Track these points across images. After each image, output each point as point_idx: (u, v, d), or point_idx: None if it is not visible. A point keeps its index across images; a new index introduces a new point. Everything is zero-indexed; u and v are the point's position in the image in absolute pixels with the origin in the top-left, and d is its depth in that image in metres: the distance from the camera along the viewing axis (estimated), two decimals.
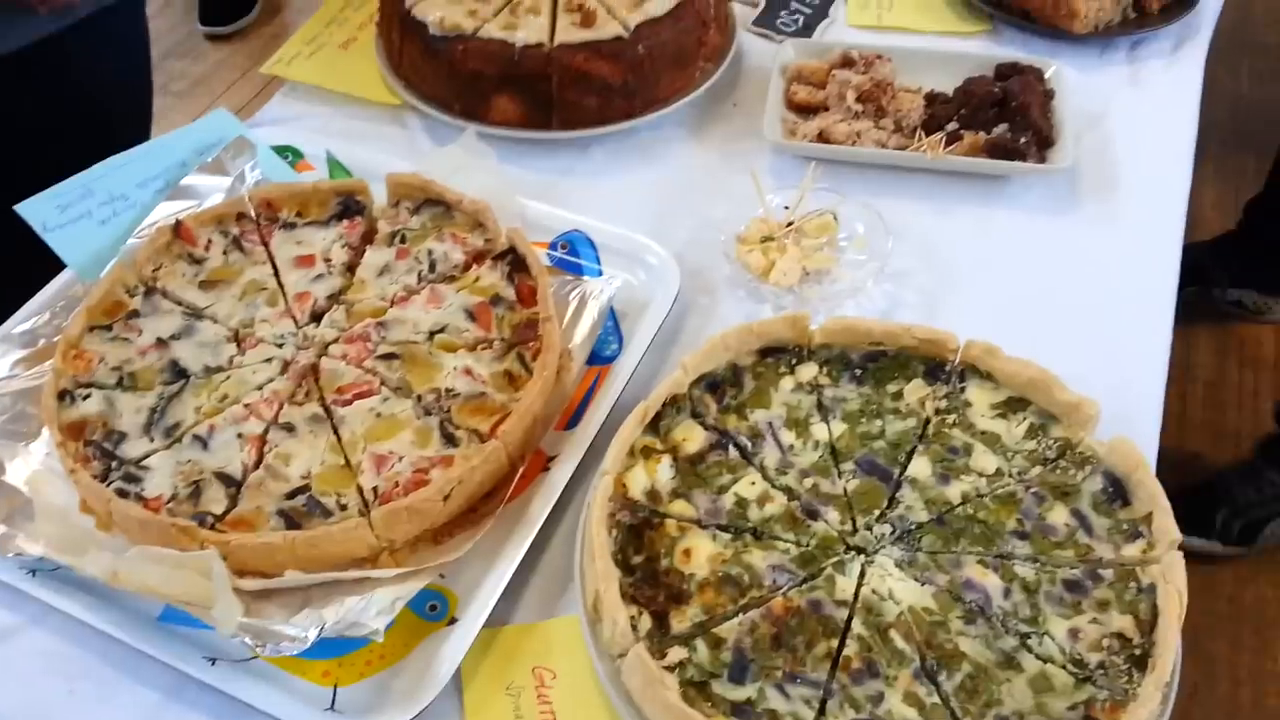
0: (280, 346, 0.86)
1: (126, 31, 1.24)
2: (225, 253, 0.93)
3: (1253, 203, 2.02)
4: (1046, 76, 1.09)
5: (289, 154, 1.06)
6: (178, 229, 0.92)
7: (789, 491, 0.76)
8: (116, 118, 1.25)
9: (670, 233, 1.01)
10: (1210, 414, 1.97)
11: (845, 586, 0.70)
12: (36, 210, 0.95)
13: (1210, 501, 1.71)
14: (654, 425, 0.79)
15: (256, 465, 0.78)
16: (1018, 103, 1.04)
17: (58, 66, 1.15)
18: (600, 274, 0.96)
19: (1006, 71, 1.10)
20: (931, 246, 1.00)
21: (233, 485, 0.76)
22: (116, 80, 1.25)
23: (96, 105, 1.21)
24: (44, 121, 1.17)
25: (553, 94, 1.06)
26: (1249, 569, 1.74)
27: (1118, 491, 0.74)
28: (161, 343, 0.85)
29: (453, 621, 0.73)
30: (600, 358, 0.90)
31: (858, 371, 0.83)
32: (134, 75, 1.30)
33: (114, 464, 0.77)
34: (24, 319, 0.90)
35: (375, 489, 0.76)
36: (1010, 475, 0.76)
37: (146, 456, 0.78)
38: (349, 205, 0.97)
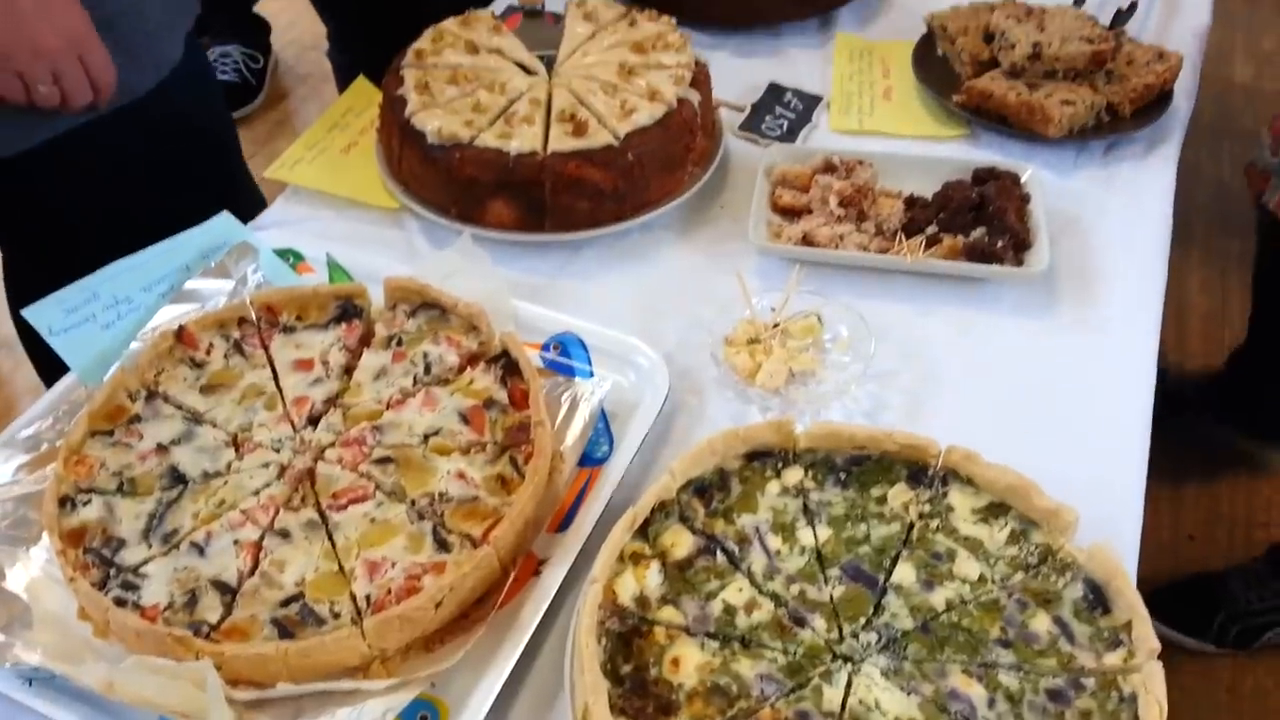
0: (278, 451, 0.88)
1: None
2: (226, 357, 0.95)
3: (1237, 354, 1.95)
4: (1022, 180, 1.14)
5: (290, 256, 1.09)
6: (180, 334, 0.95)
7: (776, 598, 0.77)
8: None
9: (660, 333, 1.04)
10: (1208, 500, 1.98)
11: (832, 697, 0.71)
12: (43, 314, 0.97)
13: (1209, 601, 1.70)
14: (643, 530, 0.81)
15: (252, 572, 0.79)
16: (994, 207, 1.08)
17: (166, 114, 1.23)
18: (591, 375, 0.98)
19: (983, 176, 1.14)
20: (914, 347, 1.02)
21: (228, 593, 0.77)
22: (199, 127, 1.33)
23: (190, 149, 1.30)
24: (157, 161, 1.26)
25: (546, 199, 1.09)
26: (1248, 657, 1.73)
27: (1098, 599, 0.75)
28: (161, 448, 0.87)
29: None
30: (591, 459, 0.92)
31: (842, 475, 0.85)
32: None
33: (112, 571, 0.79)
34: (28, 423, 0.92)
35: (368, 596, 0.77)
36: (993, 582, 0.78)
37: (144, 563, 0.79)
38: (347, 308, 0.99)
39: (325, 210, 1.19)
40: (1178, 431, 1.74)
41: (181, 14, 1.25)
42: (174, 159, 1.26)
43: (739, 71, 1.38)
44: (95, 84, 1.10)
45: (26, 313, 0.97)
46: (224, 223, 1.09)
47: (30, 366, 2.53)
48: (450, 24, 1.24)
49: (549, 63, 1.23)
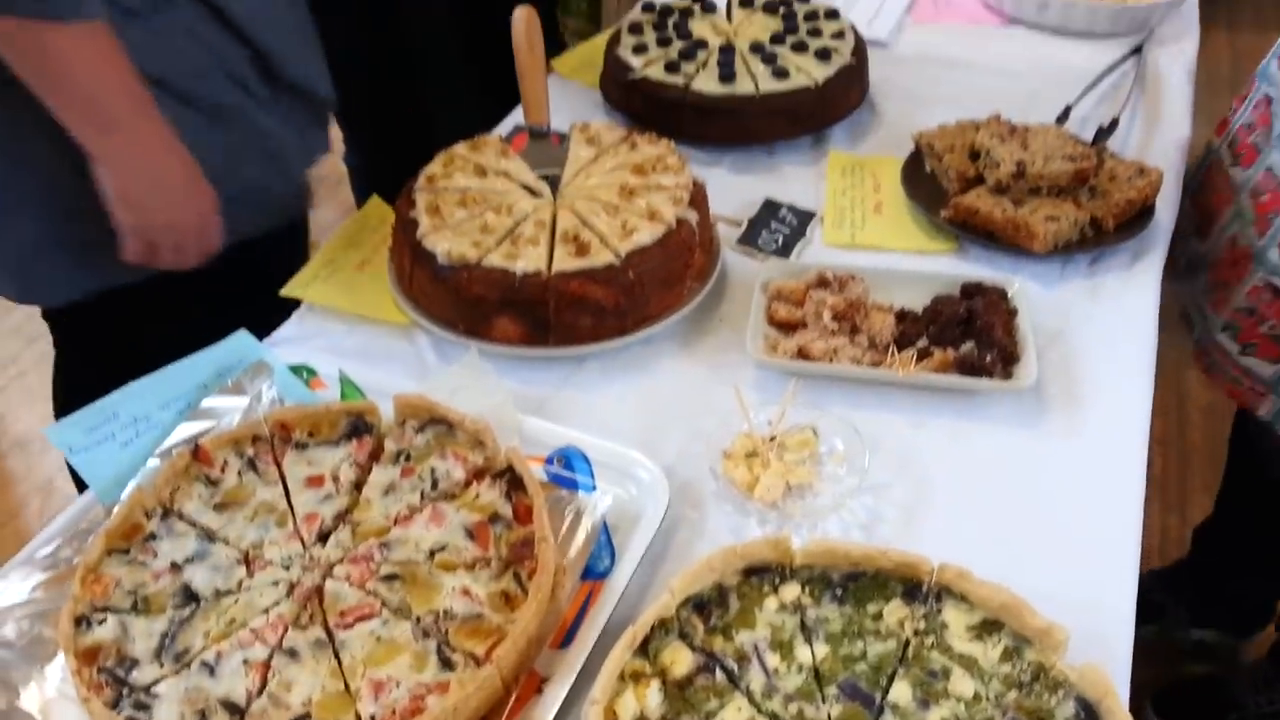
0: (287, 569, 0.90)
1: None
2: (240, 474, 0.98)
3: (1202, 530, 1.92)
4: (1010, 295, 1.18)
5: (304, 372, 1.13)
6: (197, 452, 0.98)
7: (775, 718, 0.79)
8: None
9: (661, 445, 1.07)
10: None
11: None
12: (64, 434, 1.01)
13: (1216, 704, 1.69)
14: (643, 647, 0.83)
15: (260, 692, 0.81)
16: (982, 322, 1.12)
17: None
18: (594, 489, 1.01)
19: (972, 290, 1.18)
20: (907, 459, 1.05)
21: (237, 713, 0.79)
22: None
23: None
24: None
25: (550, 316, 1.14)
26: None
27: (1090, 718, 0.77)
28: (175, 566, 0.90)
29: None
30: (594, 573, 0.94)
31: (839, 591, 0.87)
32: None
33: (125, 690, 0.80)
34: (46, 542, 0.95)
35: (373, 716, 0.78)
36: (988, 700, 0.79)
37: (156, 683, 0.81)
38: (358, 425, 1.03)
39: (338, 325, 1.23)
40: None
41: (295, 195, 1.44)
42: (241, 284, 1.36)
43: (736, 187, 1.44)
44: (203, 252, 1.26)
45: (47, 432, 1.00)
46: (241, 340, 1.13)
47: (41, 465, 2.57)
48: (460, 148, 1.30)
49: (554, 183, 1.28)
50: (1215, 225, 1.40)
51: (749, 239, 1.33)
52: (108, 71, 1.11)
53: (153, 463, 1.01)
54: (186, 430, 1.04)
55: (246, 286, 1.33)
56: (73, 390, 1.52)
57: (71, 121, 1.13)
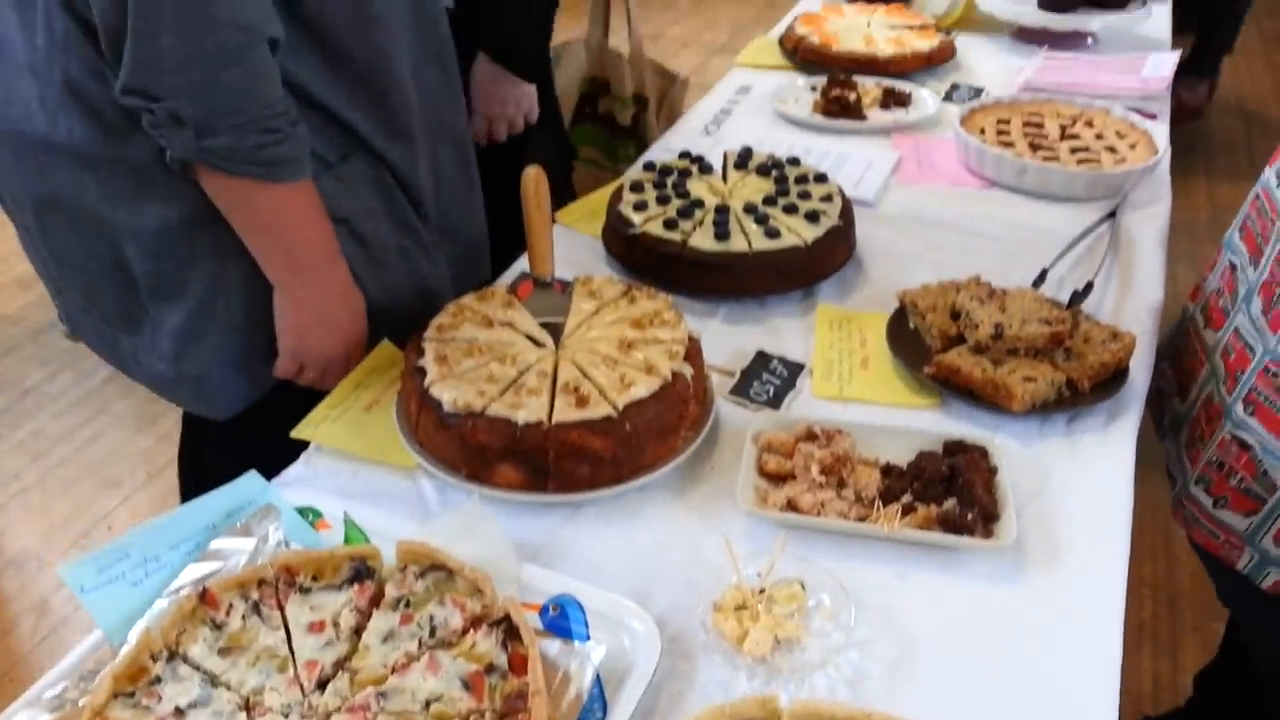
0: (286, 717, 0.92)
1: None
2: (244, 618, 1.01)
3: (1206, 674, 1.91)
4: (990, 454, 1.23)
5: (310, 514, 1.17)
6: (204, 595, 1.01)
7: None
8: None
9: (653, 594, 1.10)
10: None
11: None
12: (76, 573, 1.04)
13: None
14: None
15: None
16: (964, 480, 1.17)
17: None
18: (588, 639, 1.04)
19: (954, 448, 1.23)
20: (892, 613, 1.08)
21: None
22: None
23: None
24: None
25: (550, 464, 1.19)
26: None
27: None
28: (179, 711, 0.92)
29: None
30: None
31: None
32: None
33: None
34: (53, 683, 0.97)
35: None
36: None
37: None
38: (361, 570, 1.06)
39: (345, 466, 1.28)
40: None
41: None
42: None
43: (729, 337, 1.51)
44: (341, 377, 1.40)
45: (62, 572, 1.04)
46: (250, 482, 1.18)
47: (36, 584, 2.57)
48: (469, 299, 1.38)
49: (557, 329, 1.35)
50: (1193, 386, 1.47)
51: (741, 390, 1.40)
52: (309, 225, 1.28)
53: (160, 603, 1.04)
54: (195, 571, 1.07)
55: None
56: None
57: (267, 263, 1.30)
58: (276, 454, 1.27)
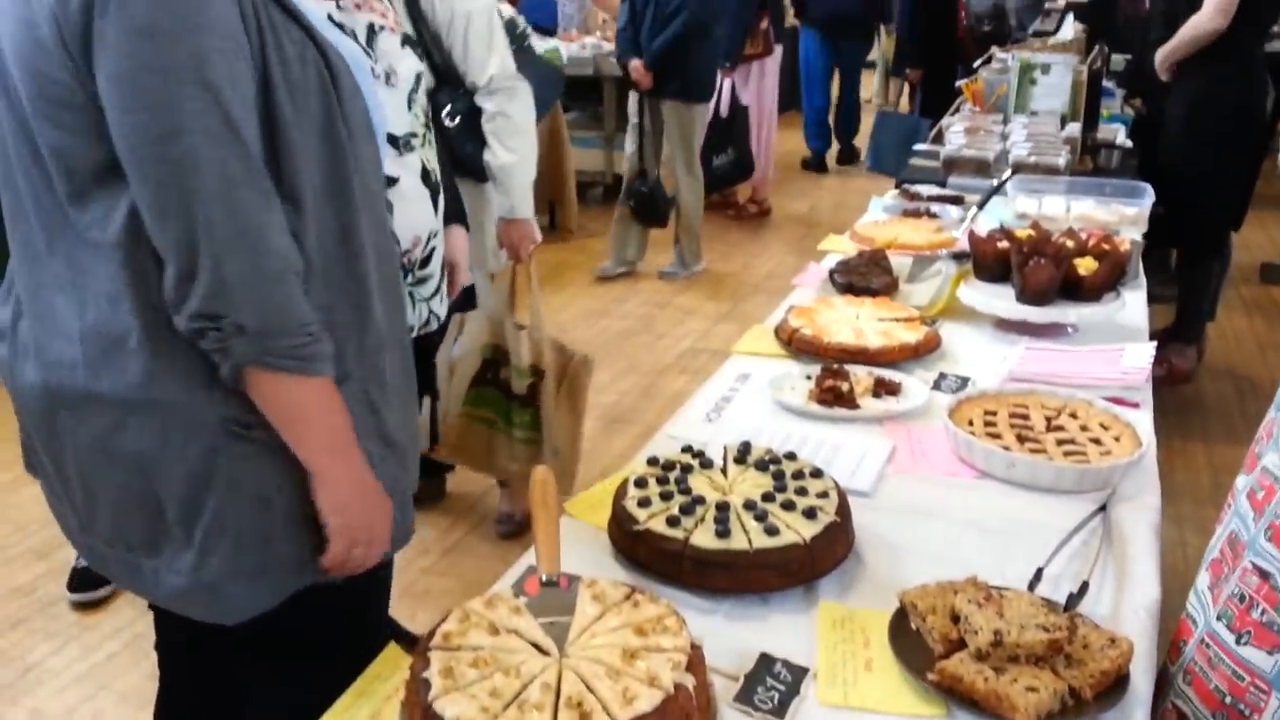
0: None
1: None
2: None
3: None
4: None
5: None
6: None
7: None
8: None
9: None
10: None
11: None
12: None
13: None
14: None
15: None
16: None
17: None
18: None
19: None
20: None
21: None
22: None
23: None
24: None
25: None
26: None
27: None
28: None
29: None
30: None
31: None
32: None
33: None
34: None
35: None
36: None
37: None
38: None
39: None
40: None
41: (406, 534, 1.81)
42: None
43: (732, 634, 1.52)
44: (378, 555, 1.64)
45: None
46: None
47: None
48: (476, 604, 1.41)
49: (561, 630, 1.37)
50: None
51: (745, 696, 1.39)
52: (337, 412, 1.51)
53: None
54: None
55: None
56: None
57: (308, 450, 1.49)
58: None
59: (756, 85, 7.59)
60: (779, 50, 7.63)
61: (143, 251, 1.38)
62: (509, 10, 3.86)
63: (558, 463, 3.26)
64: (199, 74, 1.28)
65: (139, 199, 1.34)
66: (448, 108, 3.09)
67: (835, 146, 9.83)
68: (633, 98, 6.27)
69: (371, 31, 2.21)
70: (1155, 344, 2.41)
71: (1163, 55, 4.62)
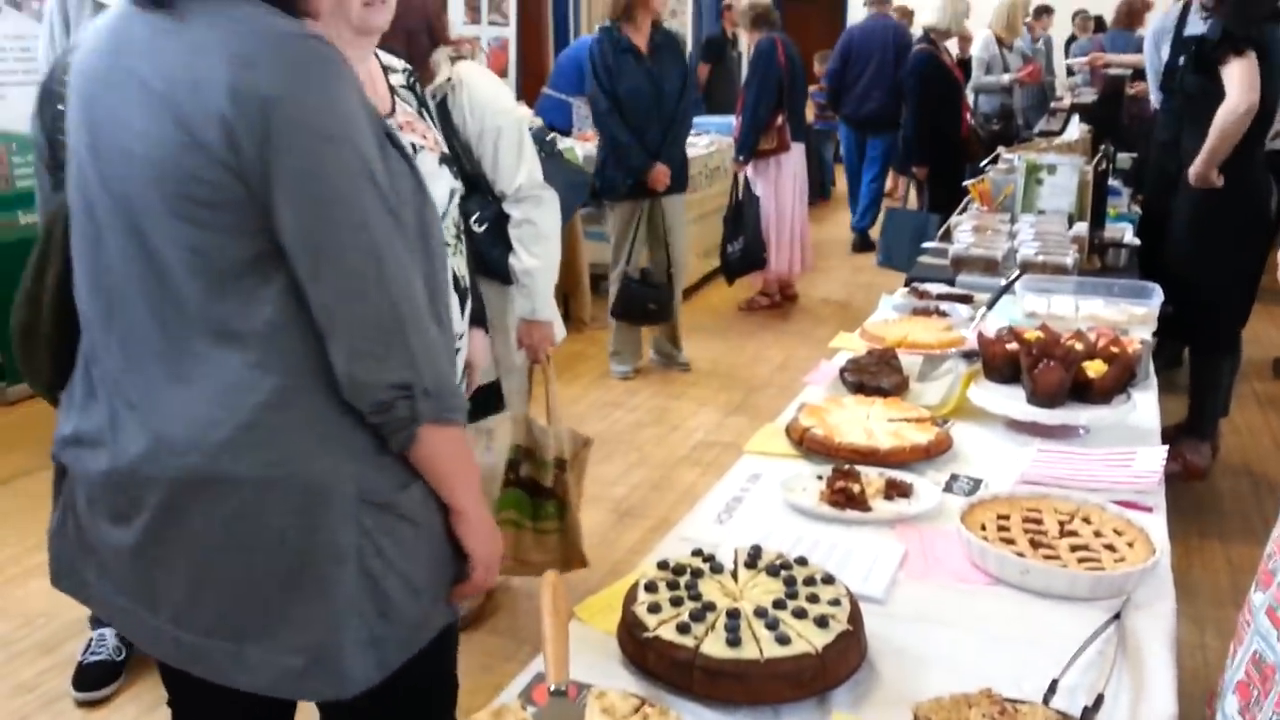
0: None
1: None
2: None
3: None
4: None
5: None
6: None
7: None
8: None
9: None
10: None
11: None
12: None
13: None
14: None
15: None
16: None
17: None
18: None
19: None
20: None
21: None
22: None
23: None
24: None
25: None
26: None
27: None
28: None
29: None
30: None
31: None
32: None
33: None
34: None
35: None
36: None
37: None
38: None
39: None
40: None
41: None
42: None
43: None
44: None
45: None
46: None
47: None
48: (484, 716, 1.40)
49: None
50: None
51: None
52: (472, 457, 1.69)
53: None
54: None
55: None
56: None
57: (463, 492, 1.66)
58: None
59: (774, 179, 7.72)
60: (799, 147, 7.76)
61: (291, 336, 1.48)
62: (538, 121, 3.98)
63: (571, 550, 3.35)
64: (368, 172, 1.46)
65: (324, 286, 1.46)
66: (475, 215, 3.18)
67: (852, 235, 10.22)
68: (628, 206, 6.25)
69: (413, 151, 2.29)
70: (1167, 447, 2.40)
71: (1205, 159, 4.45)
